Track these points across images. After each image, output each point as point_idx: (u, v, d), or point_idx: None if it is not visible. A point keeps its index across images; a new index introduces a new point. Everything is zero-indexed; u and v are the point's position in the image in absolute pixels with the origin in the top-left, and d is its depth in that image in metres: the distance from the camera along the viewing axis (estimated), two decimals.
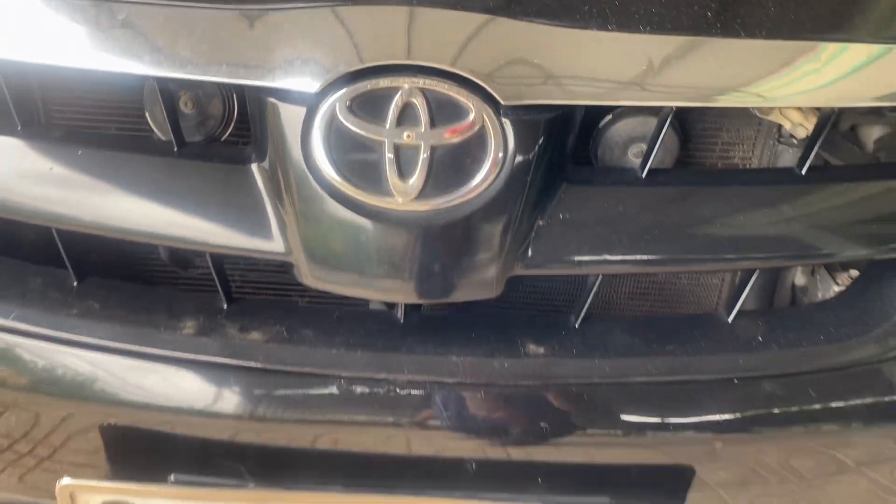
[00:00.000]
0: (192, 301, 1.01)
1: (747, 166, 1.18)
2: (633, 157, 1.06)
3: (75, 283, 1.01)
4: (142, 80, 0.97)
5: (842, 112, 1.08)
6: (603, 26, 0.87)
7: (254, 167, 0.93)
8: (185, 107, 1.02)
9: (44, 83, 1.06)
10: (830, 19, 0.93)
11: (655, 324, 1.02)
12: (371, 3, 0.85)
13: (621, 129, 1.05)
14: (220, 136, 1.04)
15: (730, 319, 1.01)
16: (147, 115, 1.03)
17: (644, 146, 1.04)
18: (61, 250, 0.99)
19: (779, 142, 1.17)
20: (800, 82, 0.91)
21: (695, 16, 0.89)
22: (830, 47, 0.91)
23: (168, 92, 0.95)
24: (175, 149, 0.95)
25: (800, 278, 1.23)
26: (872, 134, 1.19)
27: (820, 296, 1.12)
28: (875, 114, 1.14)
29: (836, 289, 1.09)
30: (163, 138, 1.03)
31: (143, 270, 1.17)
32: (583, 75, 0.88)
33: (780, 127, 1.15)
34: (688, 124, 1.13)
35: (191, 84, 1.01)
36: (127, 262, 1.16)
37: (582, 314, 1.00)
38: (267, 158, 0.92)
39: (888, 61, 0.90)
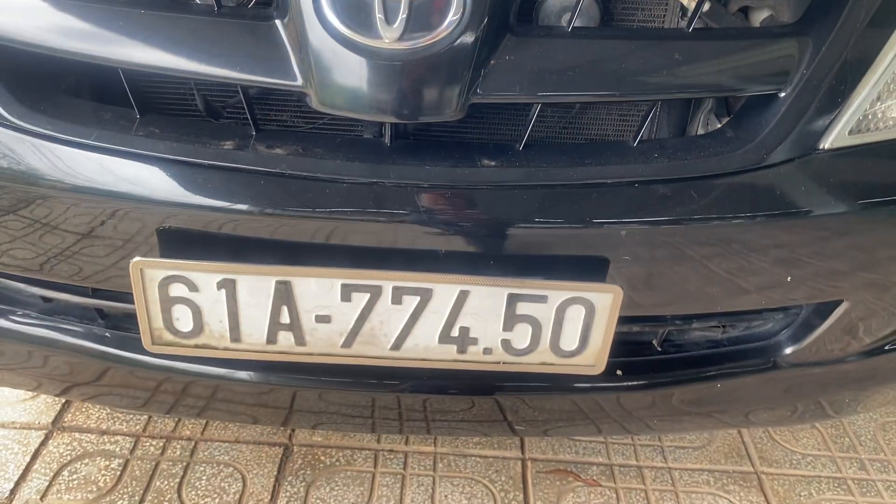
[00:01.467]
0: (229, 129, 1.32)
1: None
2: (564, 23, 1.39)
3: (138, 116, 1.32)
4: None
5: None
6: None
7: (277, 22, 1.24)
8: None
9: None
10: None
11: (579, 147, 1.36)
12: None
13: (555, 2, 1.38)
14: (247, 3, 1.35)
15: (634, 144, 1.34)
16: None
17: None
18: (126, 88, 1.30)
19: (682, 20, 1.49)
20: None
21: None
22: None
23: None
24: (215, 9, 1.26)
25: (699, 130, 1.57)
26: (759, 16, 1.53)
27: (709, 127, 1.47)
28: None
29: (719, 123, 1.44)
30: (201, 2, 1.33)
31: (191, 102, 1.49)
32: None
33: (682, 8, 1.48)
34: (610, 3, 1.45)
35: None
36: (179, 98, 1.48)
37: (524, 140, 1.32)
38: (287, 15, 1.23)
39: None
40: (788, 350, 1.58)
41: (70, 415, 2.43)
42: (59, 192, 1.28)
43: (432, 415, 1.64)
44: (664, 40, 1.29)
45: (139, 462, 2.29)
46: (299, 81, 1.23)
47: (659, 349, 1.60)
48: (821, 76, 1.30)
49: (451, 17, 1.18)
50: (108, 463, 2.27)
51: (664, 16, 1.49)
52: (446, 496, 2.25)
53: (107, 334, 1.53)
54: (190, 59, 1.24)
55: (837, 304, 1.50)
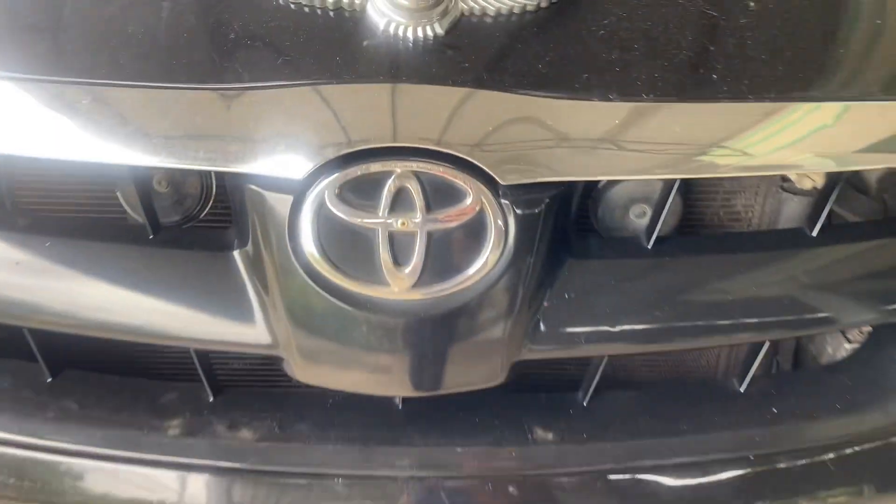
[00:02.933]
0: (176, 394, 0.94)
1: (751, 216, 1.13)
2: (635, 217, 1.01)
3: (49, 380, 0.95)
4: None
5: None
6: (604, 96, 0.82)
7: (236, 254, 0.87)
8: (160, 186, 0.95)
9: (9, 166, 0.98)
10: (838, 79, 0.88)
11: (667, 393, 0.98)
12: (355, 80, 0.79)
13: (622, 191, 1.00)
14: (198, 215, 0.98)
15: (742, 388, 0.96)
16: (119, 196, 0.96)
17: (646, 206, 0.99)
18: (32, 346, 0.93)
19: (782, 189, 1.12)
20: (812, 144, 0.86)
21: (700, 81, 0.85)
22: (838, 106, 0.86)
23: (141, 173, 0.89)
24: (150, 235, 0.89)
25: (821, 347, 1.19)
26: (874, 174, 1.16)
27: (830, 351, 1.08)
28: None
29: (848, 346, 1.05)
30: (138, 219, 0.96)
31: (123, 355, 1.10)
32: (586, 148, 0.83)
33: (785, 181, 1.11)
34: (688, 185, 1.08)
35: None
36: (104, 350, 1.09)
37: (589, 392, 0.95)
38: (250, 244, 0.86)
39: None
40: None
41: None
42: None
43: None
44: (784, 250, 0.92)
45: None
46: (268, 341, 0.86)
47: None
48: None
49: (487, 251, 0.81)
50: None
51: (758, 185, 1.11)
52: None
53: None
54: (110, 309, 0.88)
55: None
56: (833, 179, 0.94)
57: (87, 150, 0.81)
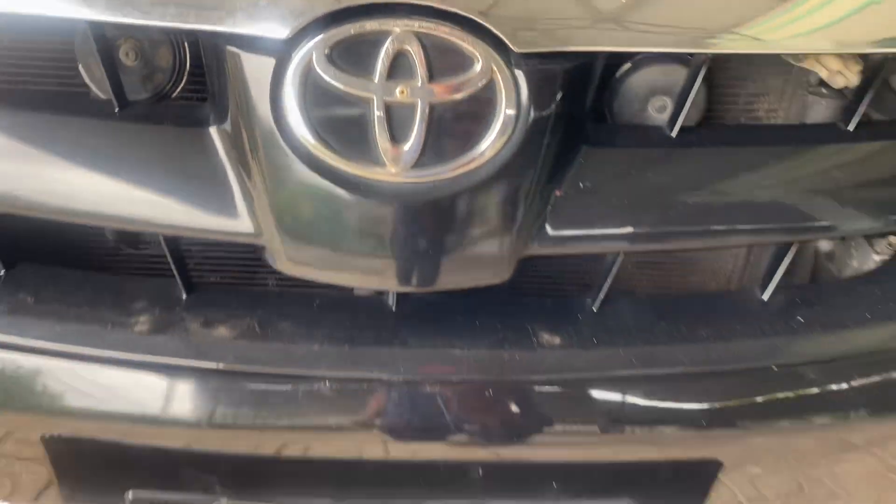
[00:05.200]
0: (145, 289, 0.85)
1: (774, 120, 1.05)
2: (654, 111, 0.92)
3: (2, 272, 0.85)
4: (73, 27, 0.80)
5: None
6: None
7: (212, 130, 0.78)
8: (127, 58, 0.85)
9: None
10: None
11: (682, 304, 0.90)
12: None
13: (641, 80, 0.91)
14: (170, 93, 0.87)
15: (765, 297, 0.89)
16: (81, 68, 0.85)
17: (667, 99, 0.90)
18: None
19: (808, 92, 1.04)
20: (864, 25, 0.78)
21: None
22: None
23: (105, 41, 0.78)
24: (116, 109, 0.79)
25: (824, 243, 1.12)
26: None
27: (856, 265, 1.01)
28: None
29: (877, 258, 0.98)
30: (102, 97, 0.86)
31: (85, 251, 1.00)
32: (609, 16, 0.73)
33: (809, 75, 1.02)
34: (712, 73, 0.99)
35: (131, 30, 0.84)
36: (65, 242, 0.99)
37: (600, 297, 0.87)
38: (228, 119, 0.76)
39: None
40: None
41: None
42: None
43: None
44: (818, 145, 0.84)
45: None
46: (249, 229, 0.77)
47: None
48: None
49: (496, 128, 0.72)
50: None
51: (783, 87, 1.03)
52: None
53: None
54: (74, 189, 0.78)
55: None
56: (871, 75, 0.85)
57: (42, 2, 0.70)
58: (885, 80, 1.03)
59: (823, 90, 1.02)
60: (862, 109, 0.85)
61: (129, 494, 0.85)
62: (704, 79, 0.94)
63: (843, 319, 0.86)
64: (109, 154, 0.78)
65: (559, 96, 0.74)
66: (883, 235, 1.03)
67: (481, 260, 0.78)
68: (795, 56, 0.94)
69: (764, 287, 0.89)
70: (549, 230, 0.79)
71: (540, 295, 0.92)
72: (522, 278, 0.98)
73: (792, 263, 1.10)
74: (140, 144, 0.79)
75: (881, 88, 1.00)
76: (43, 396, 0.81)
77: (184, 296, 0.85)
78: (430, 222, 0.75)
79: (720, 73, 1.01)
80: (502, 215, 0.76)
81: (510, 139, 0.73)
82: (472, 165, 0.73)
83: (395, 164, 0.73)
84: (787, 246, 0.87)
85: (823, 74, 0.99)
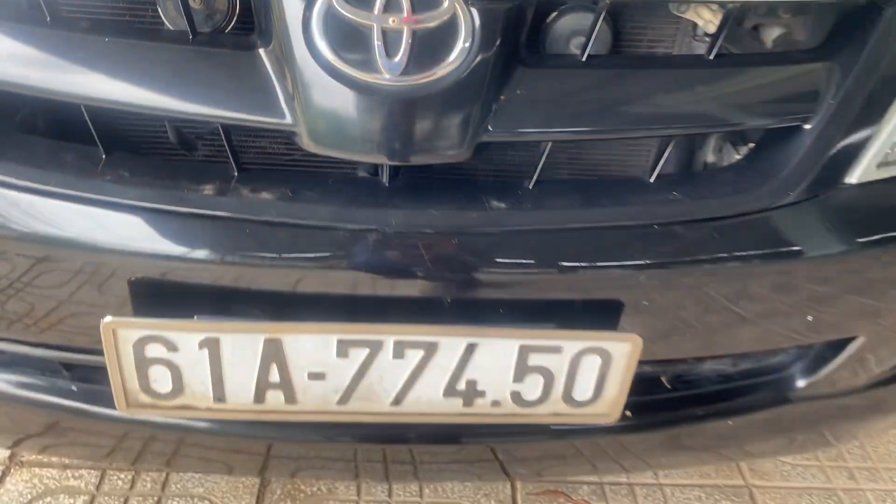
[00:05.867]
0: (209, 169, 1.19)
1: None
2: (574, 48, 1.27)
3: (104, 156, 1.18)
4: None
5: (745, 12, 1.30)
6: None
7: (261, 51, 1.10)
8: (194, 2, 1.18)
9: None
10: None
11: (592, 185, 1.25)
12: None
13: (564, 24, 1.26)
14: (224, 29, 1.21)
15: (651, 180, 1.24)
16: (160, 9, 1.18)
17: (583, 39, 1.25)
18: (90, 126, 1.15)
19: (694, 39, 1.39)
20: None
21: None
22: None
23: None
24: (190, 37, 1.11)
25: (710, 156, 1.48)
26: (772, 34, 1.43)
27: (724, 162, 1.37)
28: (773, 16, 1.37)
29: (738, 157, 1.34)
30: (173, 28, 1.18)
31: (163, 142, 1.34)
32: None
33: (695, 26, 1.38)
34: (619, 23, 1.34)
35: None
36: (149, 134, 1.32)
37: (534, 178, 1.21)
38: (272, 44, 1.09)
39: None
40: (801, 383, 1.51)
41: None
42: (14, 244, 1.13)
43: (421, 462, 1.54)
44: (686, 69, 1.19)
45: (107, 498, 2.14)
46: (287, 119, 1.10)
47: (669, 387, 1.51)
48: (849, 105, 1.21)
49: (460, 47, 1.06)
50: (72, 501, 2.12)
51: (675, 35, 1.38)
52: None
53: (73, 388, 1.39)
54: (160, 93, 1.10)
55: (853, 339, 1.43)
56: (726, 17, 1.20)
57: None
58: (739, 23, 1.38)
59: (705, 37, 1.38)
60: (718, 43, 1.18)
61: (195, 317, 1.18)
62: (613, 27, 1.30)
63: (705, 193, 1.22)
64: (187, 70, 1.11)
65: (501, 27, 1.08)
66: (745, 142, 1.40)
67: (448, 141, 1.11)
68: (678, 7, 1.30)
69: (651, 173, 1.25)
70: (496, 124, 1.12)
71: (492, 178, 1.26)
72: (479, 168, 1.34)
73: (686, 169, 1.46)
74: (209, 63, 1.11)
75: (738, 31, 1.36)
76: (136, 244, 1.14)
77: (236, 173, 1.18)
78: (412, 113, 1.08)
79: (627, 22, 1.36)
80: (463, 110, 1.09)
81: (466, 57, 1.06)
82: (441, 73, 1.06)
83: (388, 72, 1.06)
84: (667, 141, 1.23)
85: (700, 23, 1.35)
